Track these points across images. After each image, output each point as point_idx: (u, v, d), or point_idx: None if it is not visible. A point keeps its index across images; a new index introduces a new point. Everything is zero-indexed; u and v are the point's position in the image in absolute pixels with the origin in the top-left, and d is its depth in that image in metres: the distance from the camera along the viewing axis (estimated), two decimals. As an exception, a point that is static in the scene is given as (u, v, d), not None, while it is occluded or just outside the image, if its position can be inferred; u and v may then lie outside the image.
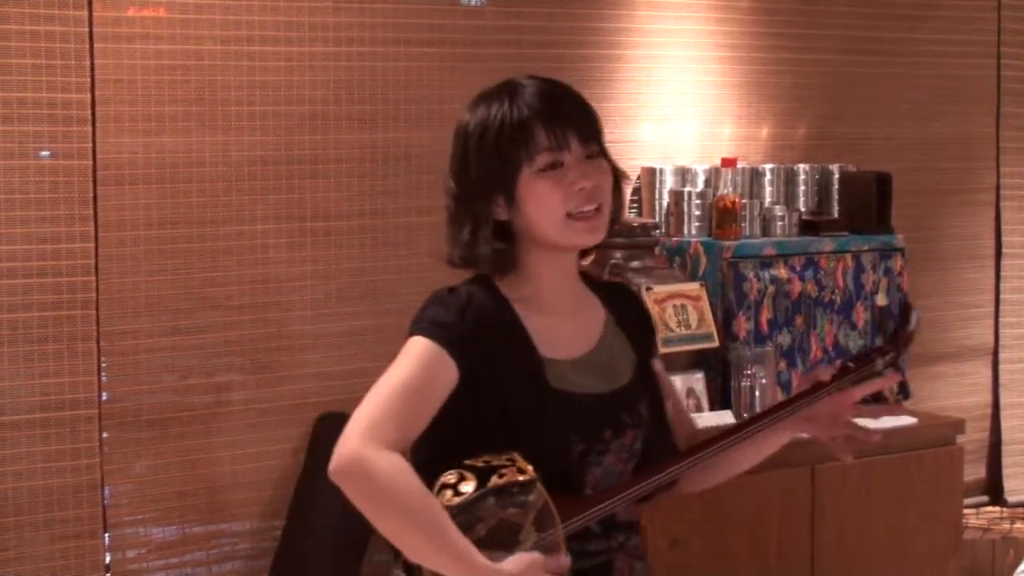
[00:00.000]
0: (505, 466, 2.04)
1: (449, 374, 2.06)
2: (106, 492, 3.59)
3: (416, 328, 2.09)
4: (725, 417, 3.74)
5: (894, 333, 2.47)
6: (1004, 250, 5.16)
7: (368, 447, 1.98)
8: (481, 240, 2.14)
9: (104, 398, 3.57)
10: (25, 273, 3.46)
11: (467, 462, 2.05)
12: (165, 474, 3.67)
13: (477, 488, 2.01)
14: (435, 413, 2.06)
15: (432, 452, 2.09)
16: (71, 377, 3.51)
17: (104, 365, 3.56)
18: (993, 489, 5.18)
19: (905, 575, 3.99)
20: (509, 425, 2.09)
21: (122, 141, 3.56)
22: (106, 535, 3.60)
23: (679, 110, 4.44)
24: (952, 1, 4.99)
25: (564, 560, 2.04)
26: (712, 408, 3.81)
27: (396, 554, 2.05)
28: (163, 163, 3.62)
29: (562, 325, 2.19)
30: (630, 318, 2.31)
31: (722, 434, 2.27)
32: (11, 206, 3.44)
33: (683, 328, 3.81)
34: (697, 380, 3.82)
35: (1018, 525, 4.72)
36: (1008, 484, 5.15)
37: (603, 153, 2.17)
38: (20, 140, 3.44)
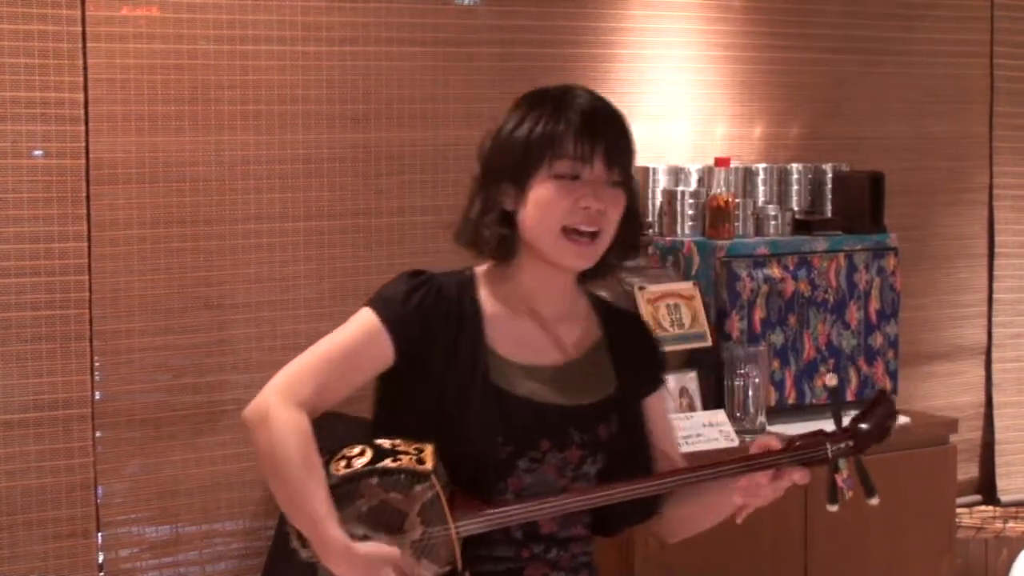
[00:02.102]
0: (408, 453, 2.04)
1: (382, 351, 2.11)
2: (99, 491, 3.58)
3: (369, 300, 2.16)
4: (718, 416, 3.74)
5: (854, 420, 2.29)
6: (997, 249, 5.16)
7: (277, 402, 2.06)
8: (486, 222, 2.14)
9: (97, 397, 3.57)
10: (18, 272, 3.45)
11: (377, 441, 2.07)
12: (158, 473, 3.66)
13: (365, 465, 2.03)
14: (361, 383, 2.12)
15: (386, 427, 2.12)
16: (64, 376, 3.51)
17: (97, 364, 3.56)
18: (986, 488, 5.19)
19: (898, 574, 3.99)
20: (440, 411, 2.10)
21: (115, 140, 3.55)
22: (99, 534, 3.59)
23: (672, 109, 4.44)
24: (945, 0, 5.00)
25: (422, 570, 2.02)
26: (706, 407, 3.81)
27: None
28: (156, 162, 3.62)
29: (535, 331, 2.17)
30: (629, 349, 2.25)
31: (663, 475, 2.19)
32: (4, 205, 3.43)
33: (676, 327, 3.81)
34: (690, 380, 3.82)
35: (1011, 524, 4.73)
36: (1001, 483, 5.15)
37: (625, 186, 2.15)
38: (13, 139, 3.43)
